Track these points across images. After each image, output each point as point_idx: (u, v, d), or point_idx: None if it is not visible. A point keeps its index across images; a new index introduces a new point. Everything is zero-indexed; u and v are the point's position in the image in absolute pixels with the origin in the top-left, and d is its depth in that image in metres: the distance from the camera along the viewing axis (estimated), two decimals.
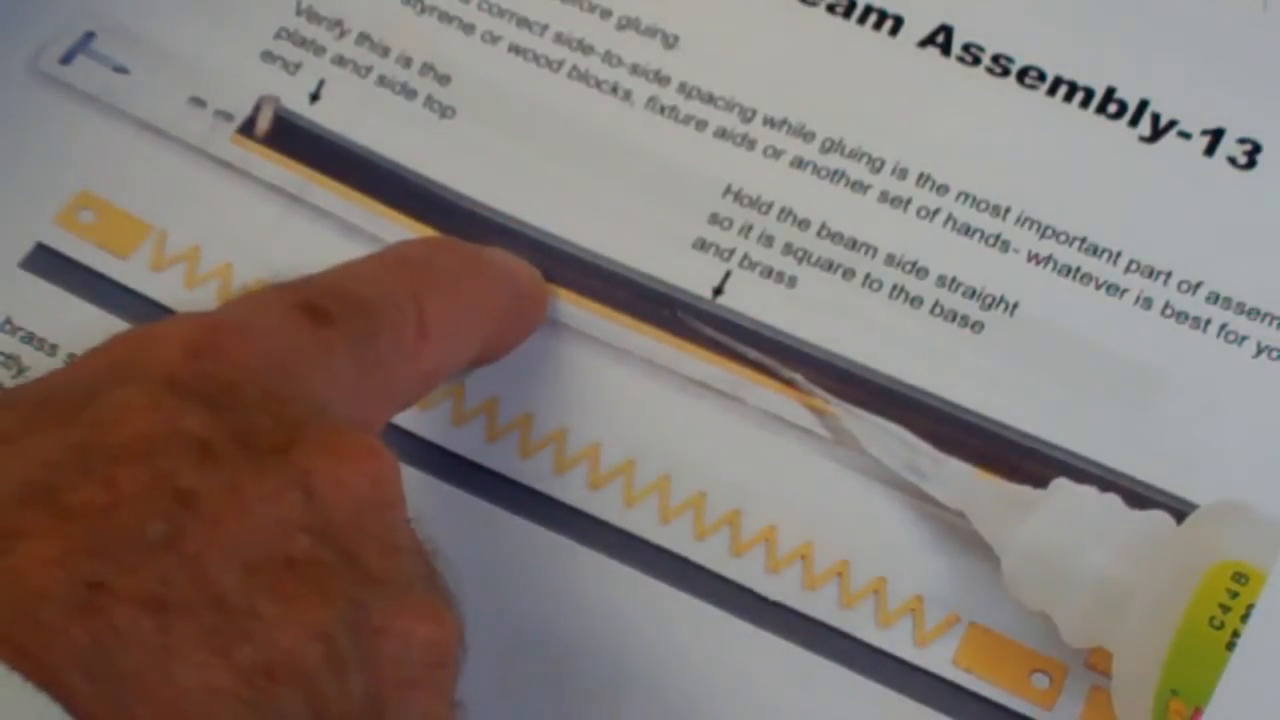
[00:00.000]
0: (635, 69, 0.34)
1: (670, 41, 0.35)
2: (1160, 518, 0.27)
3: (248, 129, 0.34)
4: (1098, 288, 0.31)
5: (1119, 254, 0.32)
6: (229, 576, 0.19)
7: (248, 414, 0.20)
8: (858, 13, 0.35)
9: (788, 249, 0.32)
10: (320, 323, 0.23)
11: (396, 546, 0.21)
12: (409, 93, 0.34)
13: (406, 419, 0.30)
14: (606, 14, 0.35)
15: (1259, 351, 0.31)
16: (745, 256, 0.32)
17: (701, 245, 0.32)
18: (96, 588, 0.18)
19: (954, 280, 0.32)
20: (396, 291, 0.25)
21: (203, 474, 0.19)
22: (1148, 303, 0.31)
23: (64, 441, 0.19)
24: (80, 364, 0.22)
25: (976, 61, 0.34)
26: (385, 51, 0.35)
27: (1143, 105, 0.33)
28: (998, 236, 0.32)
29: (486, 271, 0.29)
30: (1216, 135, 0.33)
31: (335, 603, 0.19)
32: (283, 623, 0.19)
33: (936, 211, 0.32)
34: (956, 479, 0.29)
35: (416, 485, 0.30)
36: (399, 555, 0.21)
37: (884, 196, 0.33)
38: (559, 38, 0.35)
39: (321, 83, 0.35)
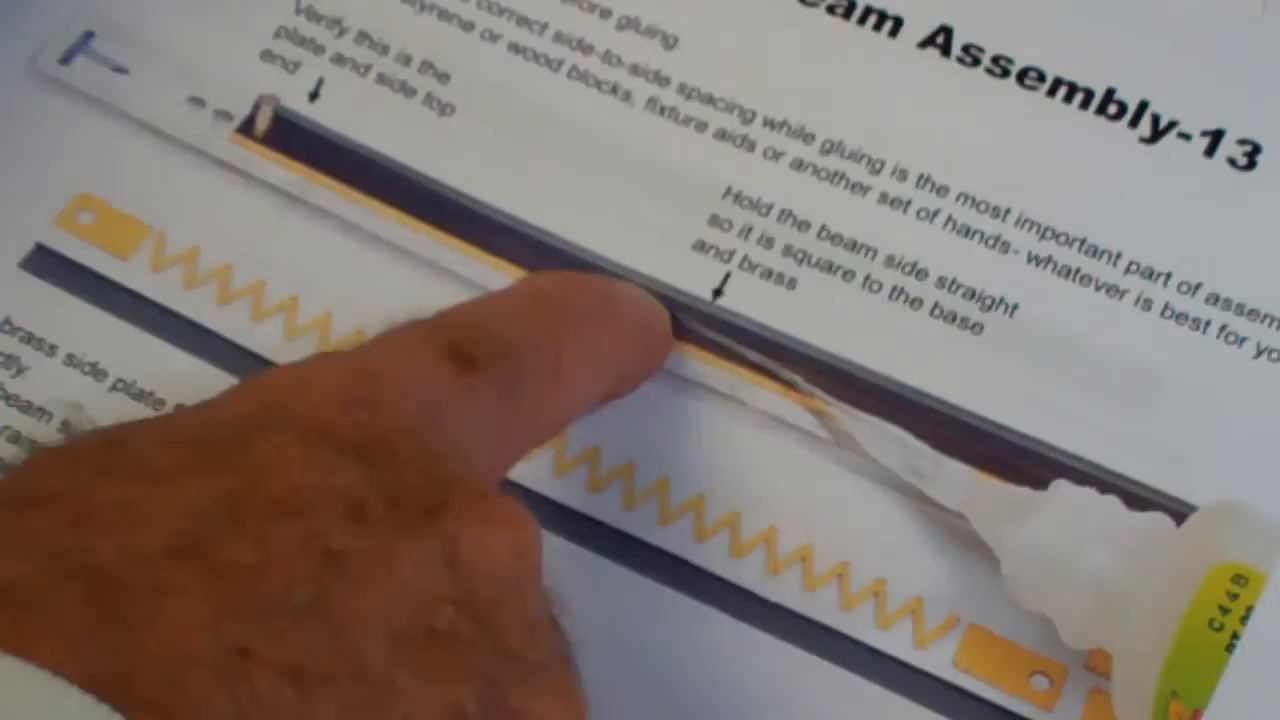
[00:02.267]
0: (635, 69, 0.34)
1: (670, 42, 0.35)
2: (1160, 519, 0.27)
3: (247, 128, 0.34)
4: (1098, 289, 0.31)
5: (1119, 255, 0.32)
6: (372, 646, 0.18)
7: (400, 473, 0.20)
8: (858, 14, 0.35)
9: (788, 250, 0.32)
10: (467, 369, 0.23)
11: (534, 622, 0.20)
12: (408, 91, 0.34)
13: None
14: (606, 14, 0.35)
15: (1259, 352, 0.31)
16: (745, 258, 0.32)
17: (701, 247, 0.32)
18: (243, 654, 0.17)
19: (954, 282, 0.32)
20: (536, 333, 0.25)
21: (353, 535, 0.19)
22: (1148, 303, 0.31)
23: (216, 489, 0.19)
24: (231, 400, 0.21)
25: (976, 62, 0.34)
26: (384, 50, 0.35)
27: (1143, 106, 0.33)
28: (997, 238, 0.32)
29: (619, 311, 0.29)
30: (1216, 136, 0.33)
31: (473, 680, 0.19)
32: (421, 698, 0.18)
33: (936, 213, 0.32)
34: (956, 480, 0.29)
35: None
36: (536, 632, 0.20)
37: (884, 198, 0.33)
38: (559, 37, 0.35)
39: (321, 82, 0.35)
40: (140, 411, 0.31)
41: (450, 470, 0.21)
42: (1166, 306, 0.31)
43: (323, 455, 0.20)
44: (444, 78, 0.35)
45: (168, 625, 0.17)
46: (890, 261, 0.32)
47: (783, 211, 0.33)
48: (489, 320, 0.25)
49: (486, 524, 0.20)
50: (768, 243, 0.32)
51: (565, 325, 0.26)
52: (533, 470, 0.30)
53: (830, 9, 0.35)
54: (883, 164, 0.33)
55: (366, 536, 0.19)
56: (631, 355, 0.29)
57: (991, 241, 0.32)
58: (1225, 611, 0.25)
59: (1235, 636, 0.25)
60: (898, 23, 0.34)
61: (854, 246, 0.32)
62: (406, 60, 0.35)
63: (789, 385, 0.31)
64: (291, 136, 0.34)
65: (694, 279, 0.32)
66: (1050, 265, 0.32)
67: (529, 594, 0.21)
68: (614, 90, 0.34)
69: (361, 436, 0.20)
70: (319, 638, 0.18)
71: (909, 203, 0.33)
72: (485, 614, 0.20)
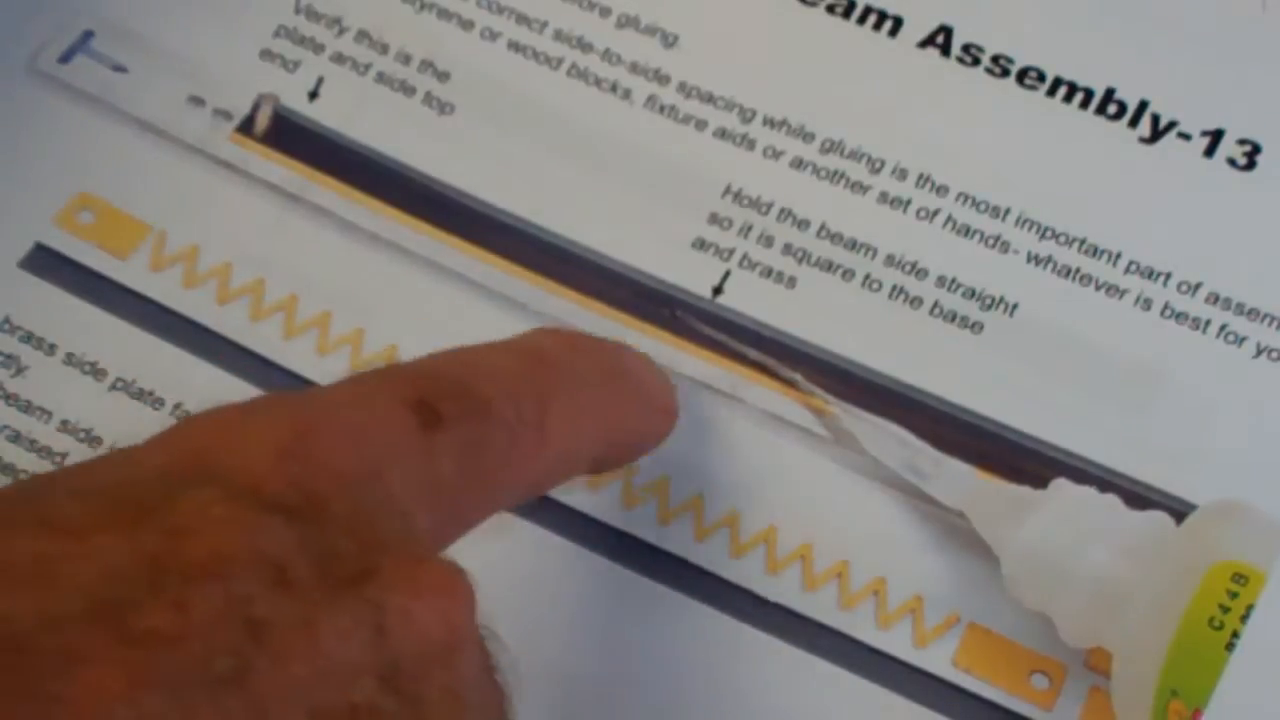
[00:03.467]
0: (634, 67, 0.34)
1: (670, 40, 0.35)
2: (1160, 518, 0.27)
3: (247, 127, 0.34)
4: (1098, 288, 0.31)
5: (1119, 254, 0.32)
6: None
7: (329, 534, 0.19)
8: (857, 13, 0.35)
9: (787, 249, 0.32)
10: (429, 425, 0.22)
11: (459, 695, 0.20)
12: (408, 90, 0.34)
13: None
14: (606, 12, 0.35)
15: (1259, 352, 0.31)
16: (745, 256, 0.32)
17: (701, 245, 0.32)
18: None
19: (953, 281, 0.32)
20: (521, 394, 0.24)
21: (276, 603, 0.18)
22: (1148, 303, 0.31)
23: (137, 550, 0.18)
24: (159, 449, 0.21)
25: (976, 62, 0.34)
26: (384, 49, 0.35)
27: (1143, 106, 0.33)
28: (997, 237, 0.32)
29: (622, 381, 0.27)
30: (1216, 136, 0.33)
31: None
32: None
33: (936, 212, 0.32)
34: (956, 479, 0.29)
35: None
36: (460, 708, 0.20)
37: (884, 197, 0.33)
38: (558, 35, 0.35)
39: (320, 80, 0.35)
40: (141, 410, 0.31)
41: (384, 532, 0.20)
42: (1166, 306, 0.31)
43: (248, 515, 0.19)
44: (444, 76, 0.35)
45: (80, 695, 0.17)
46: (890, 260, 0.32)
47: (782, 210, 0.33)
48: (471, 375, 0.23)
49: (415, 593, 0.19)
50: (767, 241, 0.32)
51: (558, 388, 0.25)
52: None
53: (830, 8, 0.35)
54: (882, 163, 0.33)
55: (290, 604, 0.18)
56: (629, 429, 0.28)
57: (991, 241, 0.32)
58: (1225, 610, 0.25)
59: (1235, 635, 0.25)
60: (898, 22, 0.34)
61: (854, 245, 0.32)
62: (406, 59, 0.35)
63: (789, 384, 0.31)
64: (291, 136, 0.34)
65: (694, 277, 0.32)
66: (1050, 265, 0.32)
67: (457, 666, 0.20)
68: (614, 89, 0.34)
69: (293, 492, 0.20)
70: (236, 713, 0.17)
71: (909, 202, 0.33)
72: (409, 688, 0.19)
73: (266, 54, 0.35)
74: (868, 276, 0.32)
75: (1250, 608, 0.25)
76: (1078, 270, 0.32)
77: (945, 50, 0.34)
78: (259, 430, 0.20)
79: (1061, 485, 0.28)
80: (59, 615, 0.17)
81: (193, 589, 0.18)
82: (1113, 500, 0.28)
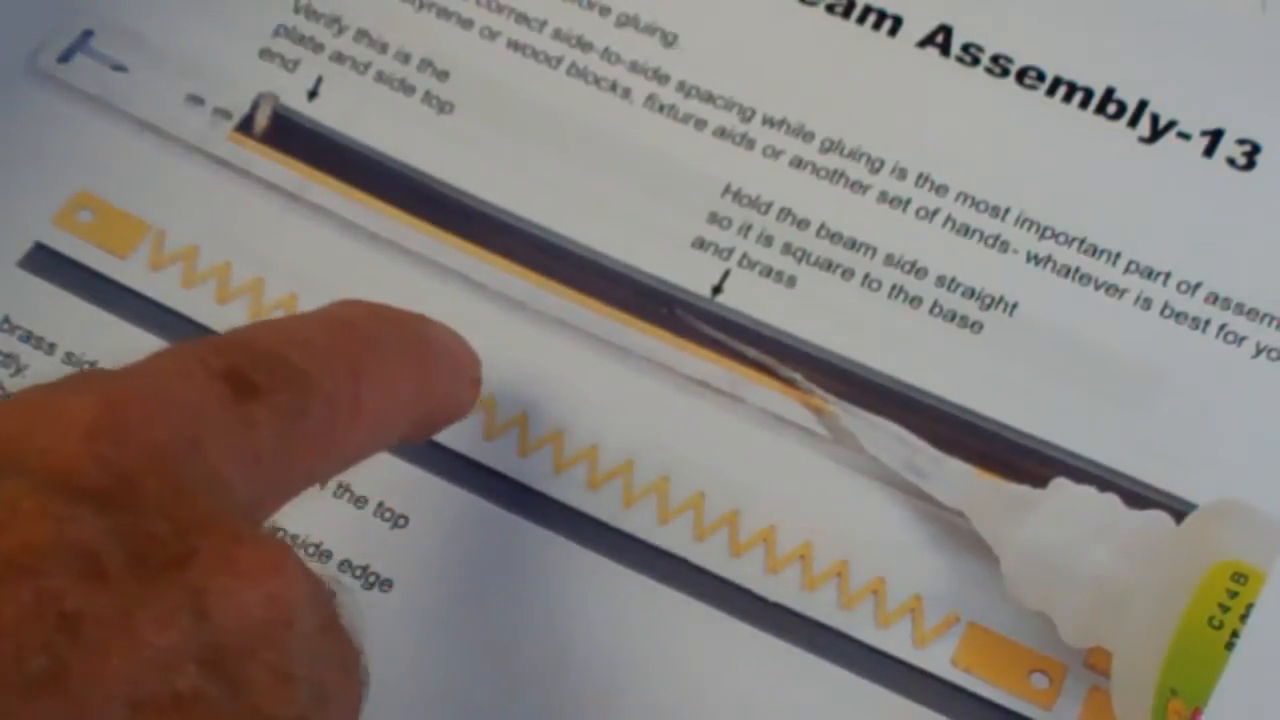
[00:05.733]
0: (634, 67, 0.34)
1: (669, 40, 0.35)
2: (1159, 517, 0.27)
3: (246, 127, 0.34)
4: (1097, 288, 0.31)
5: (1119, 254, 0.32)
6: (113, 718, 0.17)
7: (143, 517, 0.19)
8: (857, 12, 0.35)
9: (787, 248, 0.32)
10: (244, 396, 0.21)
11: (288, 674, 0.19)
12: (407, 89, 0.34)
13: None
14: (605, 11, 0.35)
15: (1258, 352, 0.31)
16: (744, 256, 0.32)
17: (701, 244, 0.32)
18: None
19: (953, 280, 0.32)
20: (334, 364, 0.23)
21: (90, 594, 0.18)
22: (1147, 303, 0.31)
23: None
24: None
25: (976, 62, 0.34)
26: (383, 48, 0.35)
27: (1142, 105, 0.33)
28: (997, 237, 0.32)
29: (430, 352, 0.27)
30: (1216, 135, 0.33)
31: None
32: None
33: (936, 212, 0.32)
34: (956, 479, 0.29)
35: (413, 482, 0.30)
36: (290, 686, 0.19)
37: (883, 197, 0.33)
38: (558, 34, 0.35)
39: (320, 80, 0.35)
40: None
41: (202, 509, 0.19)
42: (1166, 306, 0.31)
43: (56, 504, 0.18)
44: (443, 75, 0.35)
45: None
46: (890, 260, 0.32)
47: (782, 209, 0.33)
48: (282, 345, 0.23)
49: (234, 573, 0.19)
50: (767, 240, 0.32)
51: (370, 359, 0.24)
52: (532, 468, 0.30)
53: (830, 8, 0.35)
54: (882, 163, 0.33)
55: (105, 595, 0.18)
56: (437, 399, 0.27)
57: (991, 240, 0.32)
58: (1225, 609, 0.25)
59: (1235, 634, 0.25)
60: (897, 22, 0.35)
61: (853, 245, 0.32)
62: (405, 58, 0.35)
63: (788, 383, 0.31)
64: (290, 135, 0.34)
65: (693, 276, 0.32)
66: (1049, 264, 0.32)
67: (285, 644, 0.19)
68: (613, 88, 0.34)
69: (103, 473, 0.19)
70: (54, 714, 0.17)
71: (908, 201, 0.33)
72: (234, 669, 0.18)
73: (266, 53, 0.35)
74: (867, 276, 0.32)
75: (1250, 607, 0.25)
76: (1078, 270, 0.32)
77: (945, 50, 0.34)
78: (66, 411, 0.20)
79: (1061, 485, 0.28)
80: None
81: (2, 586, 0.17)
82: (1112, 500, 0.28)
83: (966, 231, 0.32)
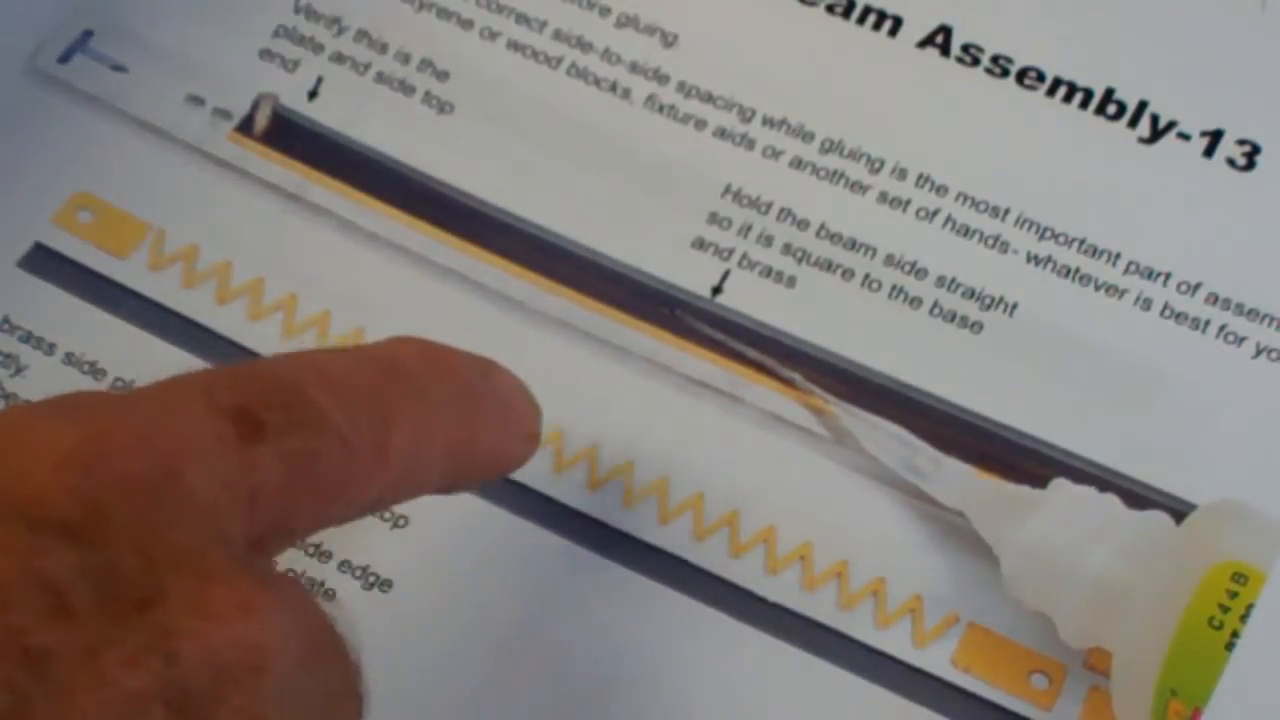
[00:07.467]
0: (634, 67, 0.34)
1: (669, 40, 0.35)
2: (1159, 518, 0.27)
3: (246, 127, 0.34)
4: (1097, 288, 0.31)
5: (1119, 255, 0.32)
6: None
7: (113, 553, 0.18)
8: (857, 13, 0.35)
9: (787, 249, 0.32)
10: (248, 436, 0.20)
11: (259, 717, 0.18)
12: (407, 89, 0.34)
13: None
14: (605, 11, 0.35)
15: (1259, 352, 0.31)
16: (744, 256, 0.32)
17: (700, 244, 0.32)
18: None
19: (953, 281, 0.32)
20: (363, 407, 0.22)
21: (56, 631, 0.17)
22: (1147, 303, 0.31)
23: None
24: None
25: (976, 62, 0.34)
26: (383, 48, 0.35)
27: (1142, 106, 0.33)
28: (997, 237, 0.32)
29: (481, 402, 0.25)
30: (1216, 136, 0.33)
31: None
32: None
33: (936, 212, 0.32)
34: (956, 479, 0.29)
35: None
36: None
37: (883, 197, 0.33)
38: (558, 34, 0.35)
39: (320, 80, 0.35)
40: None
41: (175, 545, 0.19)
42: (1166, 306, 0.31)
43: (23, 535, 0.17)
44: (443, 76, 0.35)
45: None
46: (890, 260, 0.32)
47: (782, 210, 0.33)
48: (309, 380, 0.21)
49: (204, 615, 0.18)
50: (767, 241, 0.32)
51: (408, 405, 0.23)
52: (532, 468, 0.30)
53: (830, 8, 0.35)
54: (882, 163, 0.33)
55: (71, 633, 0.17)
56: (481, 453, 0.25)
57: (991, 241, 0.32)
58: (1225, 610, 0.25)
59: (1235, 635, 0.25)
60: (897, 22, 0.35)
61: (853, 245, 0.32)
62: (405, 58, 0.35)
63: (788, 383, 0.31)
64: (290, 135, 0.34)
65: (693, 276, 0.32)
66: (1050, 265, 0.32)
67: (256, 687, 0.18)
68: (613, 88, 0.34)
69: (73, 505, 0.18)
70: None
71: (908, 202, 0.33)
72: (202, 714, 0.18)
73: (266, 53, 0.35)
74: (867, 276, 0.32)
75: (1250, 607, 0.25)
76: (1077, 270, 0.32)
77: (945, 50, 0.34)
78: (44, 438, 0.19)
79: (1061, 485, 0.28)
80: None
81: None
82: (1112, 500, 0.28)
83: (966, 232, 0.32)
